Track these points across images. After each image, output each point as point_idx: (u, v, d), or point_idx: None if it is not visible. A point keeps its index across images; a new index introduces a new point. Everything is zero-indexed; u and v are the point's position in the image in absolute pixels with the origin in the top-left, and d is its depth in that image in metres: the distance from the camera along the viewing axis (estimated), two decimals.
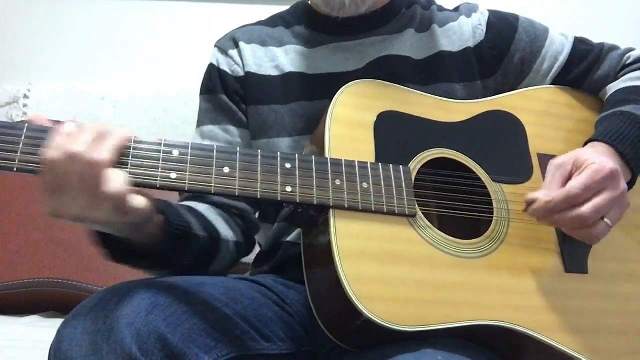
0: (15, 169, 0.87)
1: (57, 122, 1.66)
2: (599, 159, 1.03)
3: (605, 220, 1.01)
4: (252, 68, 1.30)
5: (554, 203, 1.00)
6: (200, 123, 1.33)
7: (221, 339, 0.96)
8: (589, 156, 1.04)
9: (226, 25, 1.42)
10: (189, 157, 0.94)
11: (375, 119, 1.10)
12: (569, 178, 1.03)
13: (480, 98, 1.24)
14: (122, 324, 0.88)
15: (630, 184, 1.10)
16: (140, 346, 0.87)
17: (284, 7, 1.41)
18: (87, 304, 0.92)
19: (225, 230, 1.20)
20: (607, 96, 1.24)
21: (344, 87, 1.12)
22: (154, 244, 1.03)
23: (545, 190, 1.02)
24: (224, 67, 1.32)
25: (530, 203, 1.03)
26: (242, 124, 1.30)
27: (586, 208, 0.99)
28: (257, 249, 1.34)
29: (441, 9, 1.37)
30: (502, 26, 1.31)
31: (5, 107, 2.05)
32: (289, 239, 1.23)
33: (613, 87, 1.24)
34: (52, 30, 2.24)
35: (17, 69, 2.20)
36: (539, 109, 1.23)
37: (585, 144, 1.12)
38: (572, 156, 1.05)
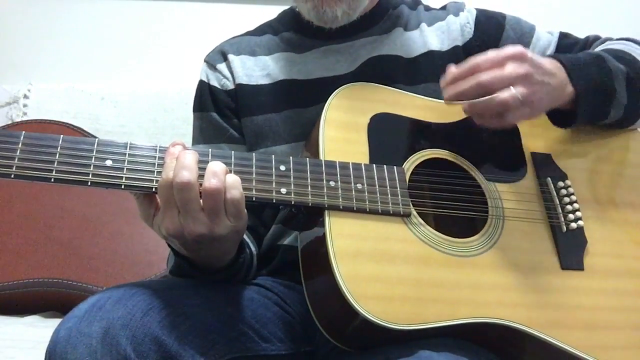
0: (12, 176, 0.88)
1: (58, 122, 1.66)
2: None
3: (512, 88, 1.00)
4: (243, 79, 1.30)
5: (459, 70, 1.02)
6: (195, 141, 1.34)
7: (218, 340, 0.96)
8: (516, 45, 1.05)
9: (226, 25, 1.42)
10: None
11: (369, 121, 1.10)
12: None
13: None
14: (117, 326, 0.88)
15: (576, 105, 1.11)
16: (136, 348, 0.88)
17: (284, 7, 1.41)
18: (83, 305, 0.92)
19: (254, 247, 1.22)
20: None
21: (336, 90, 1.13)
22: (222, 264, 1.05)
23: None
24: (214, 82, 1.33)
25: (445, 75, 1.05)
26: (235, 139, 1.30)
27: (485, 74, 1.00)
28: None
29: (428, 8, 1.38)
30: (489, 24, 1.32)
31: (5, 107, 2.05)
32: (285, 242, 1.24)
33: None
34: (52, 30, 2.24)
35: (17, 69, 2.20)
36: None
37: None
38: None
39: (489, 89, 1.00)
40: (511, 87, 0.99)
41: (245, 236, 1.18)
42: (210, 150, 0.97)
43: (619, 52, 1.19)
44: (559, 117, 1.16)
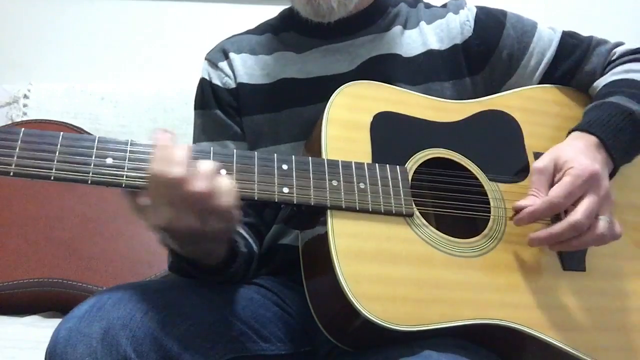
0: (11, 174, 0.87)
1: (57, 122, 1.66)
2: (579, 160, 1.03)
3: (600, 217, 1.01)
4: (244, 78, 1.30)
5: (539, 212, 1.01)
6: (196, 139, 1.32)
7: (218, 341, 0.96)
8: (568, 157, 1.04)
9: (226, 25, 1.42)
10: None
11: (371, 119, 1.10)
12: (552, 181, 1.04)
13: (470, 95, 1.25)
14: (117, 326, 0.88)
15: (613, 173, 1.10)
16: (136, 348, 0.88)
17: (284, 7, 1.41)
18: (83, 306, 0.92)
19: (254, 244, 1.21)
20: (595, 92, 1.24)
21: (339, 88, 1.13)
22: (216, 261, 1.04)
23: (531, 197, 1.03)
24: (216, 80, 1.32)
25: (517, 211, 1.03)
26: (238, 136, 1.29)
27: (576, 214, 1.00)
28: None
29: (428, 5, 1.37)
30: (489, 22, 1.30)
31: (5, 107, 2.05)
32: (286, 242, 1.23)
33: (600, 83, 1.24)
34: (52, 30, 2.24)
35: (17, 69, 2.20)
36: (534, 108, 1.23)
37: (569, 133, 1.12)
38: (552, 157, 1.05)
39: (581, 228, 1.00)
40: (600, 217, 1.01)
41: (245, 233, 1.19)
42: (212, 148, 0.97)
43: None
44: None
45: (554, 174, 1.04)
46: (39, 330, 1.42)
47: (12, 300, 1.63)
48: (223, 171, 0.95)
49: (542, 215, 1.01)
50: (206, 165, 0.89)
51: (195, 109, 1.35)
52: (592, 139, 1.09)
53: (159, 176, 0.87)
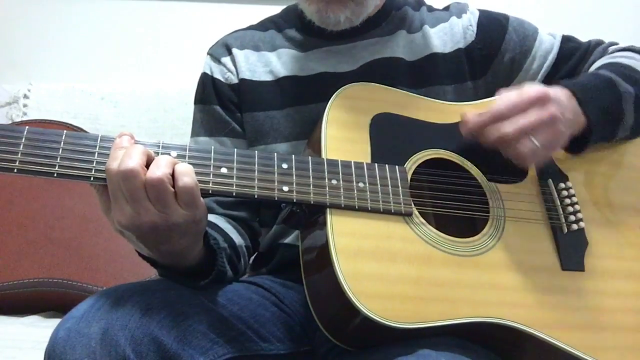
0: (15, 170, 0.88)
1: (57, 122, 1.66)
2: (540, 86, 1.04)
3: (532, 138, 1.00)
4: (246, 74, 1.30)
5: (481, 116, 1.02)
6: (195, 133, 1.32)
7: (217, 340, 0.96)
8: (534, 85, 1.05)
9: (226, 25, 1.42)
10: (187, 159, 0.94)
11: (371, 120, 1.10)
12: None
13: (471, 99, 1.25)
14: (116, 326, 0.88)
15: (588, 134, 1.11)
16: (135, 348, 0.88)
17: (283, 7, 1.41)
18: (82, 306, 0.93)
19: (237, 238, 1.21)
20: None
21: (339, 90, 1.13)
22: (195, 261, 1.03)
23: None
24: (217, 75, 1.32)
25: (462, 120, 1.04)
26: (236, 134, 1.29)
27: (507, 125, 1.00)
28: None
29: (431, 9, 1.37)
30: (492, 26, 1.31)
31: (5, 107, 2.05)
32: (286, 241, 1.24)
33: (593, 67, 1.25)
34: (52, 30, 2.24)
35: (17, 69, 2.20)
36: None
37: None
38: (521, 85, 1.06)
39: (511, 140, 1.01)
40: (531, 137, 1.00)
41: (227, 228, 1.19)
42: (212, 147, 0.98)
43: (627, 69, 1.19)
44: (570, 143, 1.15)
45: None
46: (39, 330, 1.42)
47: (12, 300, 1.63)
48: (224, 169, 0.96)
49: (481, 121, 1.02)
50: (162, 157, 0.90)
51: (195, 103, 1.35)
52: (567, 91, 1.09)
53: (112, 170, 0.87)
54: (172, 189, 0.88)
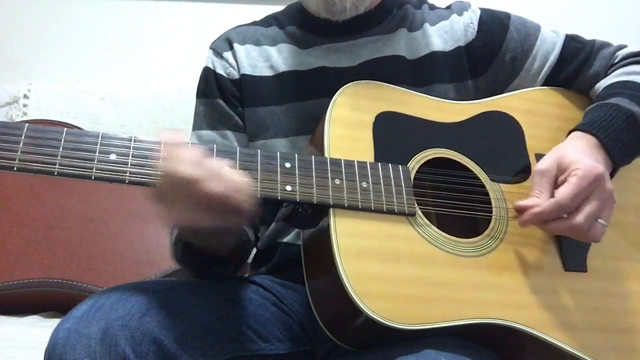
0: (15, 169, 0.87)
1: (57, 122, 1.66)
2: (584, 161, 1.03)
3: (599, 221, 1.01)
4: (247, 70, 1.30)
5: (545, 214, 1.01)
6: (197, 127, 1.32)
7: (217, 340, 0.96)
8: (572, 158, 1.04)
9: (226, 25, 1.41)
10: None
11: (374, 119, 1.10)
12: (555, 182, 1.04)
13: (472, 97, 1.24)
14: (116, 326, 0.88)
15: (612, 174, 1.10)
16: (134, 348, 0.88)
17: (283, 6, 1.41)
18: (82, 306, 0.93)
19: (250, 233, 1.21)
20: (596, 94, 1.24)
21: (342, 88, 1.13)
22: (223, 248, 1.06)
23: (535, 199, 1.02)
24: (220, 70, 1.32)
25: (520, 211, 1.03)
26: (239, 127, 1.29)
27: (579, 217, 1.00)
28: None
29: (432, 7, 1.37)
30: (493, 25, 1.30)
31: (5, 107, 2.05)
32: (285, 239, 1.23)
33: (602, 85, 1.24)
34: (52, 30, 2.24)
35: (17, 69, 2.20)
36: (536, 110, 1.23)
37: (569, 133, 1.13)
38: (554, 158, 1.05)
39: (581, 231, 1.01)
40: (599, 220, 1.01)
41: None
42: (215, 145, 0.97)
43: None
44: None
45: (557, 175, 1.04)
46: (39, 330, 1.42)
47: (12, 300, 1.63)
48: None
49: (548, 216, 1.01)
50: (219, 164, 0.91)
51: (197, 97, 1.34)
52: (593, 140, 1.09)
53: (169, 175, 0.88)
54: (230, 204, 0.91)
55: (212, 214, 0.90)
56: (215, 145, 0.97)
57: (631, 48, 1.30)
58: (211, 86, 1.32)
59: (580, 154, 1.05)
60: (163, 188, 0.90)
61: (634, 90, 1.17)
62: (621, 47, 1.31)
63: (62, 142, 0.90)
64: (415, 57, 1.28)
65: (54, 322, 1.20)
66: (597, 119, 1.12)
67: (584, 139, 1.09)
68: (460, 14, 1.32)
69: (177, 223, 0.93)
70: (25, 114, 2.00)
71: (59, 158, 0.89)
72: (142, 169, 0.92)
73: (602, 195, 1.01)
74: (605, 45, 1.31)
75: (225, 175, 0.90)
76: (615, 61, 1.28)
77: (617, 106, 1.14)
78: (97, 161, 0.90)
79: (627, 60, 1.26)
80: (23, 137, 0.88)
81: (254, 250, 1.35)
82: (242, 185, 0.91)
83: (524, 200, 1.03)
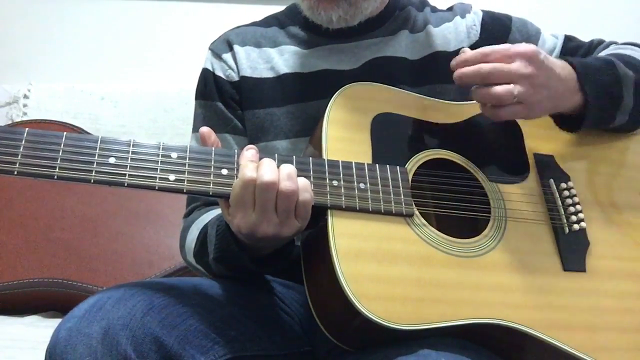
0: (15, 173, 0.88)
1: (58, 122, 1.66)
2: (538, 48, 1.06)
3: (511, 85, 1.02)
4: (247, 71, 1.30)
5: (468, 57, 1.04)
6: (196, 129, 1.30)
7: (218, 340, 0.96)
8: (533, 46, 1.06)
9: (226, 25, 1.41)
10: (187, 160, 0.95)
11: (372, 120, 1.10)
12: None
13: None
14: (117, 326, 0.88)
15: (584, 112, 1.12)
16: (136, 348, 0.88)
17: (283, 7, 1.41)
18: (83, 306, 0.92)
19: None
20: None
21: (339, 90, 1.12)
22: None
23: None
24: (219, 72, 1.32)
25: (455, 61, 1.06)
26: (238, 130, 1.29)
27: (487, 65, 1.02)
28: None
29: (435, 9, 1.38)
30: (495, 26, 1.31)
31: (5, 107, 2.05)
32: None
33: None
34: (52, 30, 2.25)
35: (17, 69, 2.21)
36: None
37: None
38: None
39: (488, 80, 1.02)
40: (511, 84, 1.01)
41: None
42: (213, 148, 0.97)
43: (627, 57, 1.20)
44: (565, 121, 1.16)
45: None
46: (39, 330, 1.42)
47: (12, 300, 1.63)
48: (225, 171, 0.96)
49: (469, 57, 1.04)
50: (290, 168, 0.94)
51: (196, 98, 1.35)
52: (563, 62, 1.11)
53: (250, 180, 0.91)
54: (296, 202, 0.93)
55: (280, 215, 0.93)
56: (213, 148, 0.97)
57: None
58: (210, 88, 1.32)
59: None
60: (239, 195, 0.93)
61: (617, 54, 1.21)
62: (614, 42, 1.33)
63: (62, 146, 0.90)
64: (417, 58, 1.28)
65: (54, 322, 1.21)
66: (579, 59, 1.16)
67: (557, 60, 1.12)
68: (463, 16, 1.33)
69: (242, 232, 0.95)
70: (25, 114, 2.00)
71: (58, 162, 0.89)
72: (141, 172, 0.92)
73: (526, 68, 1.03)
74: (601, 42, 1.34)
75: (295, 176, 0.94)
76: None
77: (598, 57, 1.19)
78: (97, 165, 0.91)
79: (618, 46, 1.30)
80: (23, 142, 0.89)
81: None
82: (305, 184, 0.95)
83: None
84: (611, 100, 1.14)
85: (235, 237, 1.00)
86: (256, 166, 0.93)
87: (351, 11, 1.23)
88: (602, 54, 1.25)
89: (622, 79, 1.13)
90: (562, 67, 1.09)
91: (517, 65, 1.02)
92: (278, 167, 0.94)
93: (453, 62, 1.07)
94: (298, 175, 0.95)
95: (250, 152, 0.96)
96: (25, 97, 2.03)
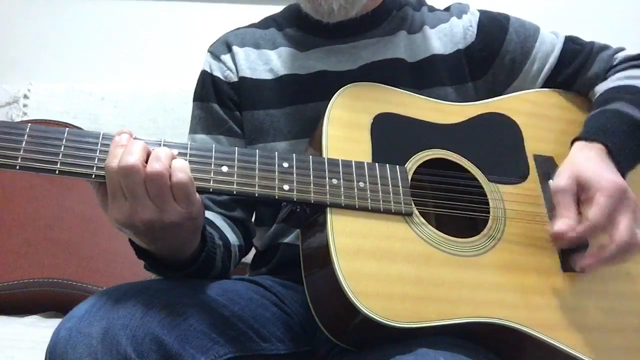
0: (17, 167, 0.88)
1: (58, 122, 1.66)
2: (605, 177, 1.03)
3: (636, 230, 1.01)
4: (246, 72, 1.30)
5: (580, 234, 1.01)
6: (193, 130, 1.33)
7: (218, 340, 0.96)
8: (591, 174, 1.03)
9: (226, 25, 1.42)
10: (188, 157, 0.94)
11: (372, 120, 1.10)
12: (578, 199, 1.03)
13: (472, 99, 1.25)
14: (117, 326, 0.88)
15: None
16: (136, 348, 0.88)
17: (283, 7, 1.41)
18: (83, 305, 0.92)
19: (232, 237, 1.21)
20: (595, 97, 1.24)
21: (340, 89, 1.13)
22: (189, 256, 1.04)
23: (566, 220, 1.01)
24: (217, 73, 1.32)
25: (556, 238, 1.03)
26: (234, 133, 1.29)
27: (620, 233, 0.99)
28: (252, 250, 1.34)
29: (432, 9, 1.37)
30: (492, 27, 1.31)
31: (5, 107, 2.05)
32: (286, 240, 1.24)
33: (601, 88, 1.24)
34: (52, 30, 2.25)
35: (17, 69, 2.21)
36: (534, 112, 1.24)
37: (573, 141, 1.12)
38: (571, 174, 1.04)
39: (633, 246, 1.00)
40: (636, 230, 1.00)
41: (222, 226, 1.19)
42: (214, 145, 0.98)
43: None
44: None
45: (578, 192, 1.04)
46: (39, 330, 1.42)
47: (12, 300, 1.63)
48: (225, 168, 0.96)
49: (584, 238, 1.02)
50: (161, 151, 0.90)
51: (194, 100, 1.35)
52: (601, 148, 1.09)
53: (112, 167, 0.88)
54: (169, 184, 0.89)
55: (154, 200, 0.89)
56: (214, 145, 0.98)
57: (629, 52, 1.30)
58: (208, 89, 1.32)
59: (597, 168, 1.05)
60: (107, 183, 0.90)
61: (634, 95, 1.17)
62: (620, 49, 1.31)
63: (64, 141, 0.91)
64: (415, 60, 1.28)
65: (54, 322, 1.20)
66: (601, 126, 1.12)
67: (593, 149, 1.09)
68: (459, 16, 1.33)
69: (120, 221, 0.90)
70: (25, 114, 1.99)
71: (60, 157, 0.90)
72: None
73: (630, 206, 1.01)
74: (604, 47, 1.32)
75: (165, 157, 0.90)
76: (614, 63, 1.28)
77: (619, 112, 1.14)
78: (98, 160, 0.91)
79: (626, 64, 1.27)
80: (25, 137, 0.89)
81: (253, 251, 1.35)
82: (181, 164, 0.90)
83: (556, 224, 1.02)
84: (637, 159, 1.14)
85: (137, 247, 1.00)
86: (122, 152, 0.89)
87: None
88: (614, 83, 1.23)
89: None
90: (614, 167, 1.08)
91: (627, 212, 1.01)
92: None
93: (560, 246, 1.06)
94: (286, 172, 0.96)
95: (122, 137, 0.92)
96: (25, 97, 2.03)
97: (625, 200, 1.01)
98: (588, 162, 1.07)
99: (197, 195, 0.92)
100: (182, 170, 0.89)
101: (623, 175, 1.08)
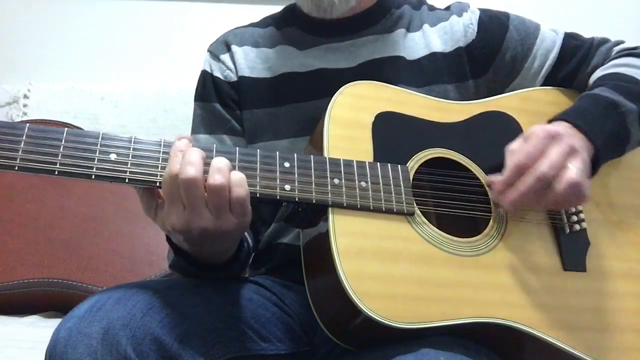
0: (16, 168, 0.88)
1: (58, 122, 1.67)
2: (539, 126, 1.03)
3: (569, 165, 0.99)
4: (245, 71, 1.30)
5: (508, 179, 1.01)
6: (195, 130, 1.33)
7: (218, 340, 0.96)
8: (534, 128, 1.03)
9: (226, 25, 1.42)
10: None
11: (373, 119, 1.10)
12: None
13: (473, 97, 1.25)
14: (117, 326, 0.88)
15: (596, 160, 1.08)
16: (135, 348, 0.88)
17: (283, 7, 1.41)
18: (83, 305, 0.93)
19: (252, 240, 1.23)
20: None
21: (341, 88, 1.13)
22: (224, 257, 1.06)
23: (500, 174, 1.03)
24: (217, 73, 1.32)
25: (490, 188, 1.04)
26: (235, 131, 1.30)
27: (541, 166, 0.98)
28: None
29: (432, 8, 1.37)
30: (493, 25, 1.31)
31: (5, 107, 2.05)
32: (285, 240, 1.24)
33: (592, 78, 1.24)
34: (52, 30, 2.24)
35: (17, 69, 2.20)
36: (535, 110, 1.23)
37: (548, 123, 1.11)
38: (522, 137, 1.05)
39: (550, 178, 0.98)
40: (568, 164, 0.99)
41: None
42: (215, 145, 0.97)
43: (629, 82, 1.16)
44: None
45: None
46: (39, 330, 1.42)
47: (12, 300, 1.63)
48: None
49: (511, 180, 1.01)
50: (221, 161, 0.91)
51: (195, 100, 1.35)
52: (567, 124, 1.07)
53: (173, 176, 0.89)
54: (229, 197, 0.91)
55: (212, 211, 0.91)
56: (215, 145, 0.97)
57: (628, 44, 1.30)
58: (208, 89, 1.32)
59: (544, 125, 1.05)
60: (165, 191, 0.91)
61: (618, 80, 1.16)
62: (619, 42, 1.31)
63: (63, 142, 0.91)
64: (415, 58, 1.28)
65: (54, 322, 1.20)
66: (575, 108, 1.12)
67: (559, 125, 1.07)
68: (459, 14, 1.32)
69: (176, 228, 0.92)
70: (25, 114, 1.99)
71: (59, 158, 0.89)
72: (142, 169, 0.93)
73: (560, 146, 1.00)
74: (603, 41, 1.32)
75: (225, 169, 0.91)
76: (612, 56, 1.28)
77: (596, 95, 1.13)
78: (98, 161, 0.91)
79: (620, 54, 1.27)
80: (24, 137, 0.89)
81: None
82: (239, 178, 0.92)
83: (491, 176, 1.04)
84: (619, 140, 1.12)
85: (176, 247, 1.01)
86: (182, 161, 0.90)
87: None
88: (601, 72, 1.22)
89: (627, 117, 1.11)
90: (570, 129, 1.06)
91: (556, 150, 0.99)
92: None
93: (494, 194, 1.05)
94: (288, 172, 0.95)
95: (182, 142, 0.94)
96: (25, 97, 2.03)
97: (557, 141, 1.00)
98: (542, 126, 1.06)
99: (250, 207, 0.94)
100: (240, 184, 0.91)
101: (599, 153, 1.07)
